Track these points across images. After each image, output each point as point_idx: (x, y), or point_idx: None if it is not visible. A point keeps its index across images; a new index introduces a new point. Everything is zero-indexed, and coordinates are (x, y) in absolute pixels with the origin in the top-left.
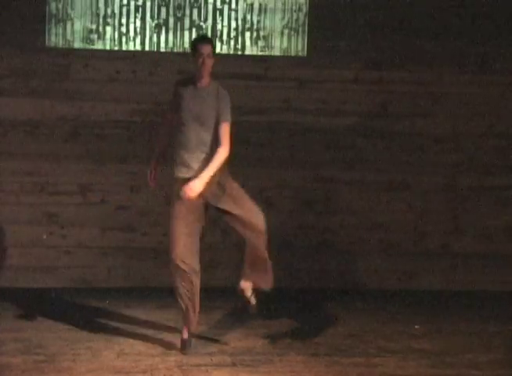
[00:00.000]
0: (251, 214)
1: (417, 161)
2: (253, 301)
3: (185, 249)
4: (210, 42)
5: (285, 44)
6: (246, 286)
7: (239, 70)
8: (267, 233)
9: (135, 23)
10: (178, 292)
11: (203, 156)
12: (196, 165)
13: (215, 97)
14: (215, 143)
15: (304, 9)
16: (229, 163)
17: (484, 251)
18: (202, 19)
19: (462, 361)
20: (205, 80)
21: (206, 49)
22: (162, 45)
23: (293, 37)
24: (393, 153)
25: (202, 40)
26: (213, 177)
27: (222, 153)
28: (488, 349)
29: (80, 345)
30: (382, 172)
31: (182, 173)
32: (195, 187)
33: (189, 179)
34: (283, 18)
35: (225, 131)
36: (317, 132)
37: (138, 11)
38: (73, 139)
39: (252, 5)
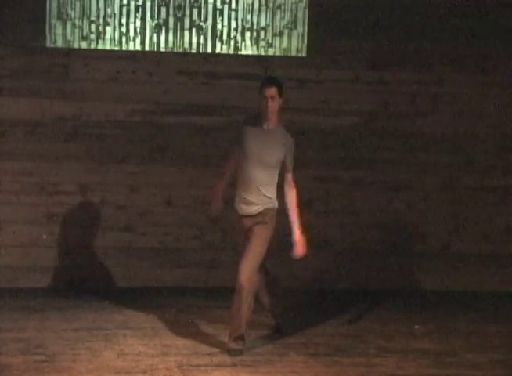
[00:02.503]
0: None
1: (417, 161)
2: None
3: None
4: (276, 84)
5: (285, 44)
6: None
7: (239, 70)
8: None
9: (135, 23)
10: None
11: (261, 196)
12: (254, 203)
13: (281, 142)
14: (273, 185)
15: (304, 9)
16: None
17: (484, 251)
18: (202, 19)
19: (462, 361)
20: (271, 122)
21: (270, 92)
22: (162, 45)
23: (293, 37)
24: (393, 153)
25: (267, 81)
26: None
27: (296, 201)
28: (488, 349)
29: (80, 345)
30: (382, 172)
31: (242, 210)
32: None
33: (247, 216)
34: (283, 18)
35: (293, 180)
36: (317, 132)
37: (138, 11)
38: (73, 139)
39: (252, 5)
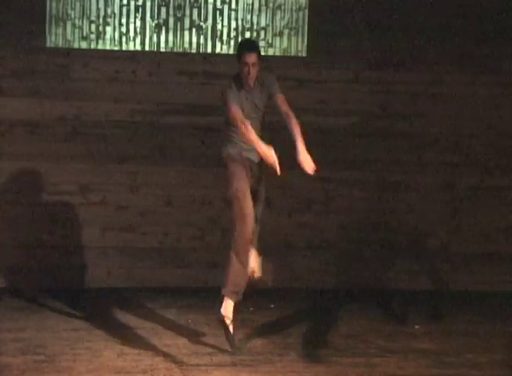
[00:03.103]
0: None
1: (417, 161)
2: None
3: (245, 187)
4: (257, 49)
5: (285, 44)
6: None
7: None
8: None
9: (135, 23)
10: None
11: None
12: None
13: (261, 89)
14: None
15: (304, 9)
16: None
17: (484, 251)
18: (202, 19)
19: (462, 361)
20: (251, 83)
21: (251, 58)
22: (162, 45)
23: (293, 38)
24: (393, 153)
25: (248, 48)
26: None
27: (295, 119)
28: (488, 349)
29: (80, 345)
30: (382, 172)
31: (245, 155)
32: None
33: (250, 161)
34: (283, 18)
35: (284, 101)
36: (317, 132)
37: (138, 11)
38: (73, 139)
39: (252, 5)
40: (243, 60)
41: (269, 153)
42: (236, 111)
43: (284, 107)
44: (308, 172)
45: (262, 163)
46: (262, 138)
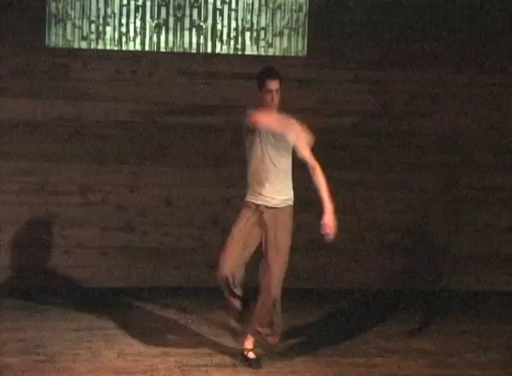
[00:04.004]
0: (272, 270)
1: (417, 161)
2: (251, 355)
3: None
4: (279, 76)
5: (285, 44)
6: (249, 344)
7: (239, 70)
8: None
9: (135, 23)
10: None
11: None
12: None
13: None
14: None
15: (304, 9)
16: (229, 163)
17: (484, 251)
18: (202, 19)
19: (462, 361)
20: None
21: (275, 85)
22: (162, 45)
23: (293, 38)
24: (393, 153)
25: (270, 74)
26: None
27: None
28: (488, 349)
29: (80, 345)
30: (382, 172)
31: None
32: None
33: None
34: (283, 18)
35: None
36: (317, 132)
37: (138, 11)
38: (73, 139)
39: (252, 5)
40: (266, 87)
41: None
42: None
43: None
44: (326, 236)
45: (286, 210)
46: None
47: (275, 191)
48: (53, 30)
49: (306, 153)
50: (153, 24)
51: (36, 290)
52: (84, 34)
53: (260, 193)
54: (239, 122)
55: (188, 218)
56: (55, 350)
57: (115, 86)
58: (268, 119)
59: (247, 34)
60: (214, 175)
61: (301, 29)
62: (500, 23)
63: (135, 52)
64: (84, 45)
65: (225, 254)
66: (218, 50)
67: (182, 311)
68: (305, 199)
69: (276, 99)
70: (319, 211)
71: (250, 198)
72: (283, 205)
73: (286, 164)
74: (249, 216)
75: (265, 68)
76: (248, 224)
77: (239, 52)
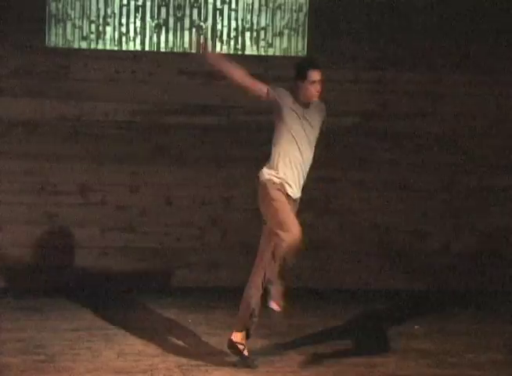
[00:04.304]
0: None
1: (417, 161)
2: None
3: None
4: (321, 66)
5: (285, 44)
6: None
7: None
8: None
9: (135, 23)
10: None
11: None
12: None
13: (318, 113)
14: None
15: (304, 9)
16: (229, 163)
17: (484, 251)
18: (202, 19)
19: (462, 361)
20: (315, 101)
21: (319, 75)
22: (162, 45)
23: (293, 38)
24: (393, 153)
25: (313, 64)
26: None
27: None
28: (488, 349)
29: (80, 345)
30: (382, 172)
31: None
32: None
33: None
34: (283, 18)
35: None
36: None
37: (138, 11)
38: (73, 139)
39: (252, 5)
40: (310, 78)
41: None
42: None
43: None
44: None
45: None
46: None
47: (300, 185)
48: (53, 30)
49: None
50: (153, 24)
51: (36, 290)
52: (84, 34)
53: (287, 182)
54: (272, 96)
55: (188, 218)
56: (55, 350)
57: (115, 86)
58: (307, 107)
59: (247, 34)
60: (214, 175)
61: (300, 29)
62: (500, 23)
63: (135, 52)
64: (84, 45)
65: (293, 222)
66: (218, 50)
67: (182, 311)
68: (305, 199)
69: (320, 89)
70: (319, 211)
71: (279, 185)
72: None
73: (311, 157)
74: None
75: (306, 58)
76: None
77: (239, 52)
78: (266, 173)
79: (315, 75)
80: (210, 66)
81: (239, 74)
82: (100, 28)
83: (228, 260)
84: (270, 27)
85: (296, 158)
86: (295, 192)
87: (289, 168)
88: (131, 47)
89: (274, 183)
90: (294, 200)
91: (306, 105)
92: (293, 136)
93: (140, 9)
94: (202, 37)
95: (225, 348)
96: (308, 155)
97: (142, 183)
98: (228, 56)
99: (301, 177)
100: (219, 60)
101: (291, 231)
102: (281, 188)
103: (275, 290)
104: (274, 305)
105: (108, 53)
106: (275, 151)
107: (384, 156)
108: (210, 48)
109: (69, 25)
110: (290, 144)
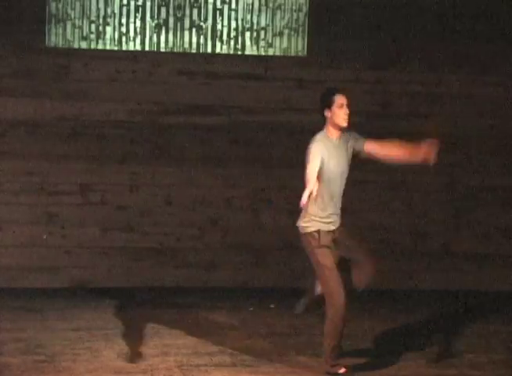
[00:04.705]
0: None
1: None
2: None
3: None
4: (345, 93)
5: (285, 44)
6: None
7: (239, 70)
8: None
9: (135, 23)
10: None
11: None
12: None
13: (347, 144)
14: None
15: (304, 9)
16: (229, 163)
17: (484, 251)
18: (202, 19)
19: (462, 361)
20: (345, 128)
21: (344, 99)
22: (162, 45)
23: (293, 38)
24: None
25: (338, 90)
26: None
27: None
28: (488, 349)
29: (80, 345)
30: (382, 172)
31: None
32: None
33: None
34: (283, 18)
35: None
36: (317, 132)
37: (138, 11)
38: (73, 139)
39: (252, 5)
40: (338, 102)
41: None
42: (313, 171)
43: (379, 143)
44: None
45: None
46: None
47: (337, 214)
48: (53, 30)
49: (367, 140)
50: (153, 24)
51: (36, 290)
52: (84, 34)
53: (325, 222)
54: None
55: (188, 218)
56: (55, 350)
57: (115, 86)
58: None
59: (247, 34)
60: (214, 175)
61: (301, 29)
62: (500, 23)
63: (135, 52)
64: (84, 45)
65: (337, 284)
66: (218, 50)
67: (183, 311)
68: None
69: (349, 114)
70: None
71: (316, 234)
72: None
73: (344, 182)
74: (330, 251)
75: (328, 88)
76: (333, 255)
77: (239, 52)
78: (302, 223)
79: (341, 99)
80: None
81: None
82: (100, 28)
83: (228, 260)
84: (270, 27)
85: (329, 193)
86: (331, 224)
87: (325, 208)
88: (131, 47)
89: (311, 234)
90: (335, 231)
91: (336, 140)
92: (327, 178)
93: (140, 9)
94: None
95: (225, 348)
96: (342, 184)
97: (142, 183)
98: (227, 55)
99: (336, 207)
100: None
101: (334, 299)
102: (319, 237)
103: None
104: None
105: (108, 53)
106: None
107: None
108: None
109: (69, 25)
110: (324, 186)
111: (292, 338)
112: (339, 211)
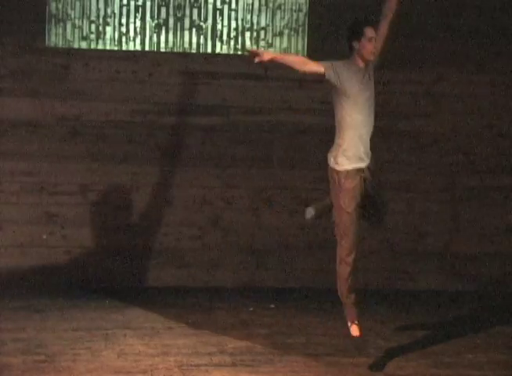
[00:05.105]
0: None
1: (417, 161)
2: None
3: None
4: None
5: (285, 44)
6: None
7: (239, 70)
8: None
9: (135, 23)
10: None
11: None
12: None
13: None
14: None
15: (304, 9)
16: (229, 163)
17: (484, 251)
18: (202, 19)
19: (462, 361)
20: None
21: (372, 32)
22: (162, 45)
23: (293, 37)
24: (393, 153)
25: (369, 21)
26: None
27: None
28: (488, 349)
29: (80, 345)
30: (382, 172)
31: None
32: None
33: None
34: (283, 18)
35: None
36: (317, 132)
37: (138, 11)
38: (73, 139)
39: (252, 5)
40: (368, 35)
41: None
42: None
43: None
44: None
45: (371, 166)
46: (371, 140)
47: (367, 153)
48: (53, 30)
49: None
50: (153, 24)
51: (36, 290)
52: (84, 34)
53: (355, 158)
54: (328, 74)
55: (188, 218)
56: (55, 350)
57: (115, 86)
58: (364, 69)
59: (247, 34)
60: (214, 175)
61: (300, 29)
62: (500, 23)
63: (135, 52)
64: (84, 45)
65: (352, 228)
66: (218, 50)
67: (182, 311)
68: (305, 199)
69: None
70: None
71: (344, 173)
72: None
73: (373, 120)
74: (356, 188)
75: (360, 17)
76: (358, 194)
77: (239, 52)
78: (331, 156)
79: (371, 32)
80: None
81: (297, 65)
82: (100, 28)
83: (228, 260)
84: (270, 27)
85: (361, 124)
86: (362, 162)
87: (354, 140)
88: (131, 47)
89: (338, 173)
90: (363, 171)
91: (362, 68)
92: (356, 104)
93: (140, 9)
94: (250, 48)
95: (225, 348)
96: (372, 118)
97: (142, 183)
98: (227, 55)
99: (367, 144)
100: (275, 59)
101: (345, 241)
102: (346, 175)
103: (349, 309)
104: (354, 331)
105: (108, 53)
106: (340, 126)
107: (384, 156)
108: (261, 53)
109: (69, 25)
110: (353, 113)
111: (292, 338)
112: (369, 150)
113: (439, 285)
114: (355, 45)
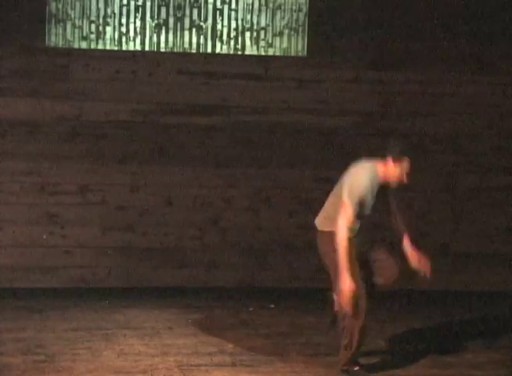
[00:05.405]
0: None
1: (417, 161)
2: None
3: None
4: None
5: (285, 44)
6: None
7: (239, 70)
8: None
9: (135, 23)
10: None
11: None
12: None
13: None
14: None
15: (304, 9)
16: (229, 163)
17: (484, 251)
18: (202, 19)
19: (462, 361)
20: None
21: (409, 168)
22: (162, 45)
23: (293, 37)
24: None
25: (410, 159)
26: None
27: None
28: (488, 349)
29: (80, 345)
30: None
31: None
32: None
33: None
34: (283, 18)
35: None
36: (317, 132)
37: (138, 11)
38: (73, 139)
39: (252, 5)
40: (405, 168)
41: (346, 293)
42: (352, 213)
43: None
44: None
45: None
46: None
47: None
48: (53, 30)
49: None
50: (153, 24)
51: (36, 290)
52: (84, 34)
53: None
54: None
55: (188, 218)
56: (55, 350)
57: (115, 86)
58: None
59: (247, 34)
60: (214, 175)
61: (300, 29)
62: (500, 22)
63: (135, 52)
64: (84, 45)
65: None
66: (218, 50)
67: (182, 311)
68: (305, 199)
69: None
70: (319, 211)
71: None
72: None
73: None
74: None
75: (405, 146)
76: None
77: (239, 52)
78: (326, 226)
79: (408, 167)
80: None
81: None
82: (100, 28)
83: (228, 260)
84: (270, 27)
85: (363, 216)
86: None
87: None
88: (131, 47)
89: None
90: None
91: (384, 184)
92: (364, 206)
93: (140, 9)
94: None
95: (225, 348)
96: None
97: (142, 183)
98: (227, 55)
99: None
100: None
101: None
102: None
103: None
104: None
105: (108, 53)
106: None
107: (384, 156)
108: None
109: (69, 25)
110: (359, 212)
111: (292, 338)
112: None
113: (439, 285)
114: (390, 163)
